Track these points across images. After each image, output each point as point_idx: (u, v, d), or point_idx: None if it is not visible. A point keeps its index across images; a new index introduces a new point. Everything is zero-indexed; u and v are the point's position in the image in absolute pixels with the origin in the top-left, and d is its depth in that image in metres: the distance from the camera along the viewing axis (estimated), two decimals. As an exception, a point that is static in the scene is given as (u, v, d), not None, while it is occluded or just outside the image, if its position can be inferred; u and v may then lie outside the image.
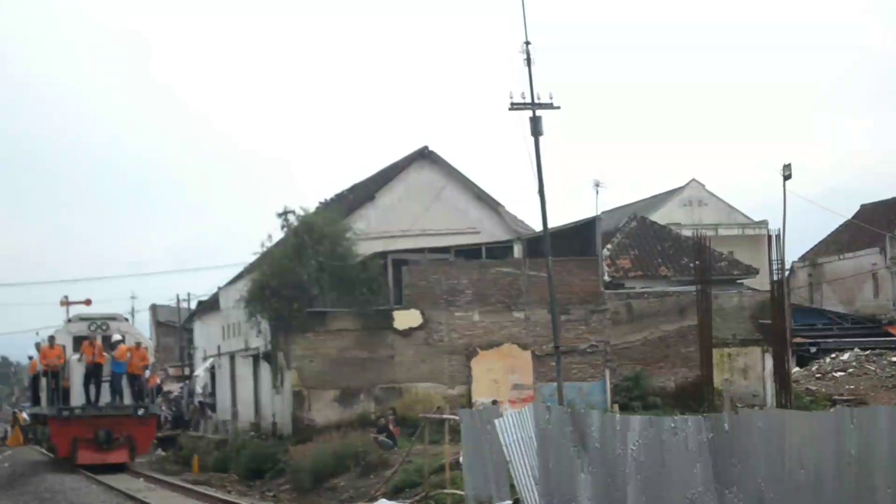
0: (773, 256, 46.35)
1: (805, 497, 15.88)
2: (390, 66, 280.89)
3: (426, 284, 47.12)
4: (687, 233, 56.76)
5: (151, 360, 49.70)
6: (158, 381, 55.15)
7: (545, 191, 41.89)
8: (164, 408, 60.15)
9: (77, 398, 45.97)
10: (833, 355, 60.57)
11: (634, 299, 49.36)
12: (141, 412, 46.08)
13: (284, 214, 48.85)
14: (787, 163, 46.96)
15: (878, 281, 70.84)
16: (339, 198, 60.55)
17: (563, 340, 43.96)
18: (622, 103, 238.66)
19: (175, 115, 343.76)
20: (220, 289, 62.71)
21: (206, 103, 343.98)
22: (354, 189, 61.60)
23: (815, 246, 79.75)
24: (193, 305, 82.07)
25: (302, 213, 48.96)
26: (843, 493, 15.36)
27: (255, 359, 53.14)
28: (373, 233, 52.31)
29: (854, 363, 58.36)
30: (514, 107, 41.41)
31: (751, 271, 54.13)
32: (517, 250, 48.77)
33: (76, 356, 46.51)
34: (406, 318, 46.85)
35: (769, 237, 47.49)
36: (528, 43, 41.25)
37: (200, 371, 69.62)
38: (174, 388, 79.18)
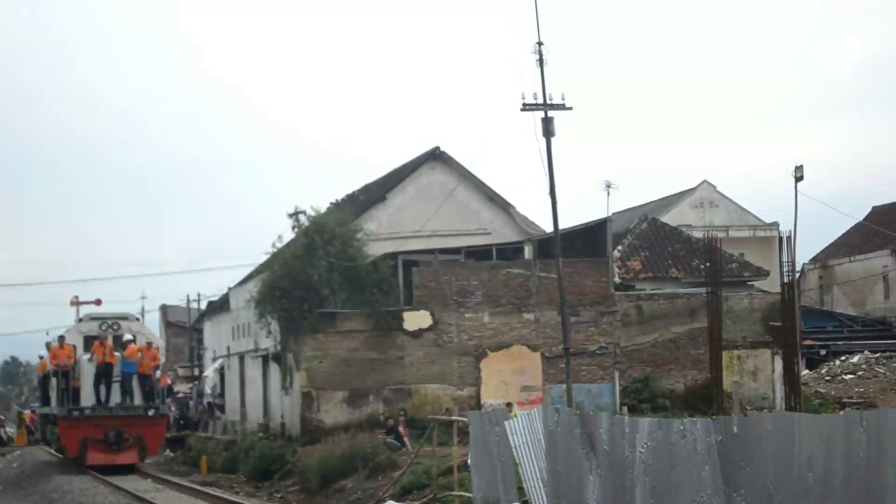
0: (784, 258, 46.24)
1: (814, 500, 15.82)
2: (401, 68, 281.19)
3: (436, 285, 47.06)
4: (698, 234, 56.65)
5: (162, 360, 49.40)
6: (169, 381, 54.91)
7: (556, 192, 41.83)
8: (172, 408, 60.07)
9: (87, 398, 45.65)
10: (843, 358, 60.45)
11: (645, 301, 49.26)
12: (151, 413, 45.70)
13: (295, 215, 48.84)
14: (798, 164, 46.88)
15: (888, 283, 70.69)
16: (351, 198, 60.53)
17: (572, 342, 43.89)
18: (633, 104, 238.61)
19: (186, 118, 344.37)
20: (230, 289, 62.72)
21: (219, 106, 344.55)
22: (366, 190, 61.58)
23: (826, 248, 79.62)
24: (203, 306, 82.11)
25: (313, 213, 48.94)
26: (851, 496, 15.30)
27: (265, 359, 53.11)
28: (383, 233, 52.29)
29: (864, 366, 58.23)
30: (526, 107, 41.35)
31: (761, 273, 54.01)
32: (528, 251, 48.70)
33: (87, 356, 46.22)
34: (416, 320, 46.80)
35: (780, 239, 47.39)
36: (540, 44, 41.25)
37: (210, 371, 69.63)
38: (184, 388, 79.21)
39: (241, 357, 58.79)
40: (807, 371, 56.46)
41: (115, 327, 48.01)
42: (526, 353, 47.25)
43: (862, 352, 60.77)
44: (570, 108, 41.87)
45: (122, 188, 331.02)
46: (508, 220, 55.70)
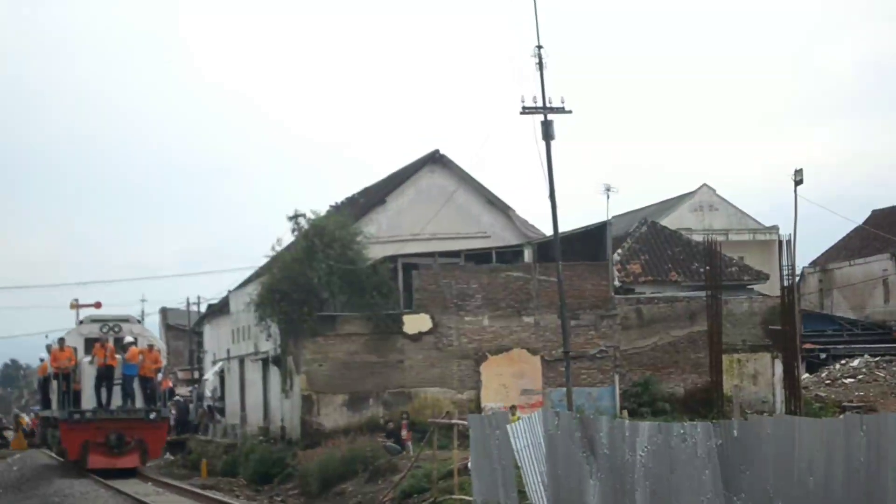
0: (784, 262, 46.22)
1: (814, 504, 15.84)
2: (401, 71, 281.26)
3: (436, 289, 47.07)
4: (697, 238, 56.63)
5: (164, 362, 49.02)
6: (171, 384, 54.64)
7: (556, 195, 41.83)
8: (172, 411, 60.01)
9: (88, 401, 45.31)
10: (843, 361, 60.38)
11: (644, 304, 49.27)
12: (153, 416, 45.41)
13: (295, 218, 48.88)
14: (798, 168, 46.83)
15: (888, 287, 70.64)
16: (350, 201, 60.53)
17: (572, 345, 43.89)
18: (632, 106, 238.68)
19: (186, 122, 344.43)
20: (230, 292, 62.69)
21: (219, 110, 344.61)
22: (365, 193, 61.59)
23: (826, 251, 79.56)
24: (203, 309, 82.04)
25: (312, 216, 48.97)
26: (852, 500, 15.32)
27: (265, 363, 53.10)
28: (383, 237, 52.29)
29: (864, 370, 58.17)
30: (526, 111, 41.34)
31: (761, 277, 53.99)
32: (527, 255, 48.72)
33: (87, 358, 45.89)
34: (416, 323, 46.80)
35: (780, 243, 47.37)
36: (540, 47, 41.26)
37: (210, 375, 69.58)
38: (184, 391, 79.13)
39: (241, 360, 58.76)
40: (807, 375, 56.42)
41: (116, 329, 47.70)
42: (526, 357, 47.26)
43: (862, 355, 60.71)
44: (570, 112, 41.91)
45: (121, 191, 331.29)
46: (508, 224, 55.72)
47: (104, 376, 45.11)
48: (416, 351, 46.78)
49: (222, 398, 65.02)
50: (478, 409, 44.37)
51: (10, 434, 71.83)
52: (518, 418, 27.55)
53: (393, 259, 47.86)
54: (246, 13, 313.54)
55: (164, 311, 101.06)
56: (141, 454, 45.99)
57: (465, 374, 46.86)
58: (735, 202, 76.82)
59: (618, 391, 47.28)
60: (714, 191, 76.83)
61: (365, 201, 58.18)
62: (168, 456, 56.85)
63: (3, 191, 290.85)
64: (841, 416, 32.49)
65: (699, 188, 76.43)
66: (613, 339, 47.94)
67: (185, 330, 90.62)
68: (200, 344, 79.55)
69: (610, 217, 53.25)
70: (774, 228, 68.84)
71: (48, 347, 48.87)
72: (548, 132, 41.38)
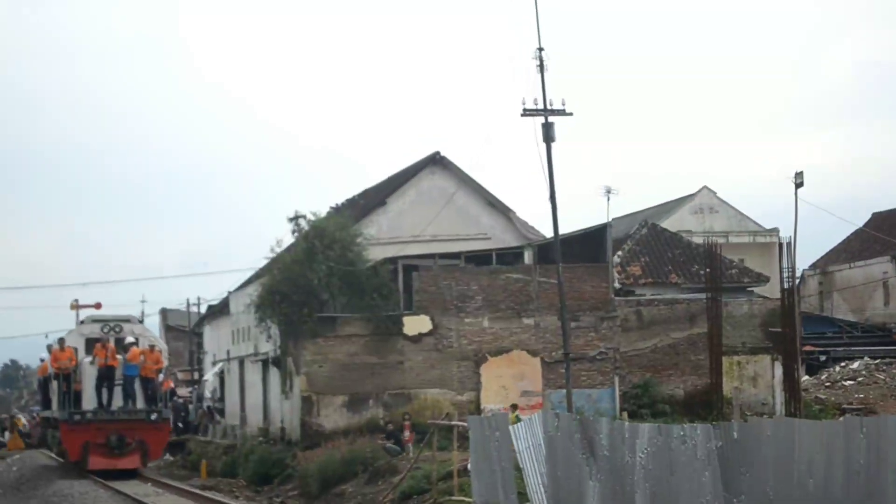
0: (784, 264, 46.24)
1: (814, 506, 15.85)
2: (401, 73, 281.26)
3: (436, 290, 47.08)
4: (698, 240, 56.64)
5: (165, 363, 48.82)
6: (172, 384, 54.45)
7: (556, 197, 41.82)
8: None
9: (89, 402, 45.21)
10: (843, 364, 60.41)
11: (644, 306, 49.29)
12: (154, 417, 45.30)
13: (295, 219, 48.89)
14: (798, 170, 46.87)
15: (888, 290, 70.63)
16: (351, 203, 60.55)
17: (572, 347, 43.87)
18: (633, 108, 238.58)
19: (186, 124, 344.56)
20: (230, 293, 62.70)
21: (219, 111, 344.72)
22: (366, 194, 61.60)
23: (826, 254, 79.54)
24: (203, 310, 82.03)
25: (313, 218, 48.98)
26: (851, 502, 15.34)
27: (265, 364, 53.10)
28: (383, 238, 52.30)
29: (864, 372, 58.19)
30: (527, 113, 41.28)
31: (761, 279, 53.99)
32: (527, 256, 48.71)
33: (88, 358, 45.77)
34: (416, 324, 46.81)
35: (780, 245, 47.39)
36: (541, 49, 41.22)
37: (210, 376, 69.61)
38: (184, 392, 79.14)
39: (241, 361, 58.77)
40: (807, 377, 56.44)
41: (116, 329, 47.57)
42: (526, 358, 47.27)
43: (862, 358, 60.75)
44: (571, 114, 41.79)
45: (122, 192, 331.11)
46: (508, 225, 55.73)
47: (105, 377, 44.99)
48: (416, 352, 46.79)
49: (222, 399, 65.05)
50: (477, 410, 44.40)
51: (6, 435, 71.78)
52: (517, 417, 27.56)
53: (393, 260, 47.87)
54: (246, 15, 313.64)
55: (164, 312, 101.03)
56: (142, 455, 45.82)
57: (465, 376, 46.87)
58: (735, 204, 76.82)
59: (618, 393, 47.29)
60: (714, 193, 76.80)
61: (365, 203, 58.19)
62: (168, 456, 56.82)
63: (4, 191, 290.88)
64: (841, 419, 32.52)
65: (699, 190, 76.40)
66: (613, 340, 47.95)
67: (185, 331, 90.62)
68: (200, 345, 79.56)
69: (610, 219, 53.28)
70: (775, 231, 68.83)
71: (49, 347, 48.69)
72: (548, 134, 41.34)
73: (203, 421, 67.28)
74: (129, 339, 46.28)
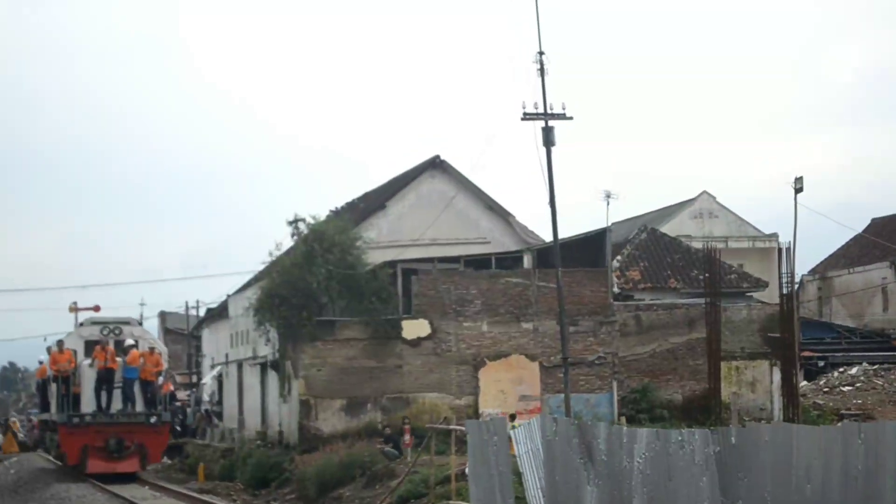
0: (783, 269, 46.26)
1: (812, 512, 15.84)
2: (401, 76, 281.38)
3: (435, 294, 47.07)
4: (697, 245, 56.66)
5: (165, 365, 48.34)
6: (172, 387, 54.23)
7: (556, 201, 41.82)
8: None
9: (88, 404, 44.88)
10: (841, 369, 60.44)
11: (643, 311, 49.29)
12: (153, 420, 45.00)
13: (295, 222, 48.87)
14: (798, 176, 46.87)
15: (887, 295, 70.71)
16: (350, 206, 60.55)
17: (571, 352, 43.86)
18: (633, 113, 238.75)
19: (185, 125, 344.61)
20: (228, 296, 62.70)
21: (219, 113, 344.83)
22: (365, 198, 61.61)
23: (825, 259, 79.64)
24: (202, 313, 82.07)
25: (312, 221, 48.96)
26: (849, 508, 15.32)
27: (263, 367, 53.09)
28: (383, 242, 52.31)
29: (862, 378, 58.23)
30: (527, 117, 41.28)
31: (760, 284, 54.02)
32: (527, 261, 48.69)
33: (87, 361, 45.41)
34: (414, 328, 46.79)
35: (779, 250, 47.44)
36: (541, 53, 41.25)
37: (208, 379, 69.60)
38: (182, 395, 79.14)
39: (240, 364, 58.76)
40: (805, 382, 56.47)
41: (116, 332, 47.09)
42: (524, 363, 47.24)
43: (860, 363, 60.78)
44: (571, 118, 41.77)
45: (121, 193, 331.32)
46: (508, 229, 55.75)
47: (104, 379, 44.63)
48: (414, 356, 46.77)
49: (220, 402, 65.01)
50: (476, 414, 44.35)
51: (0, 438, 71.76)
52: (517, 425, 27.50)
53: (392, 264, 47.87)
54: (247, 16, 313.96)
55: (163, 315, 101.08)
56: (141, 459, 45.53)
57: (464, 380, 46.85)
58: (735, 209, 76.87)
59: (616, 398, 47.27)
60: (714, 198, 76.84)
61: (365, 206, 58.19)
62: (165, 460, 56.75)
63: (2, 191, 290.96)
64: (839, 424, 32.46)
65: (699, 195, 76.44)
66: (612, 345, 47.94)
67: (184, 334, 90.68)
68: (199, 348, 79.60)
69: (609, 223, 53.34)
70: (774, 236, 68.85)
71: (49, 349, 48.48)
72: (548, 138, 41.35)
73: (201, 424, 67.25)
74: (129, 341, 45.81)
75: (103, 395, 44.73)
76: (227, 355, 62.19)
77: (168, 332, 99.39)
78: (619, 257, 53.97)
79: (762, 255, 66.17)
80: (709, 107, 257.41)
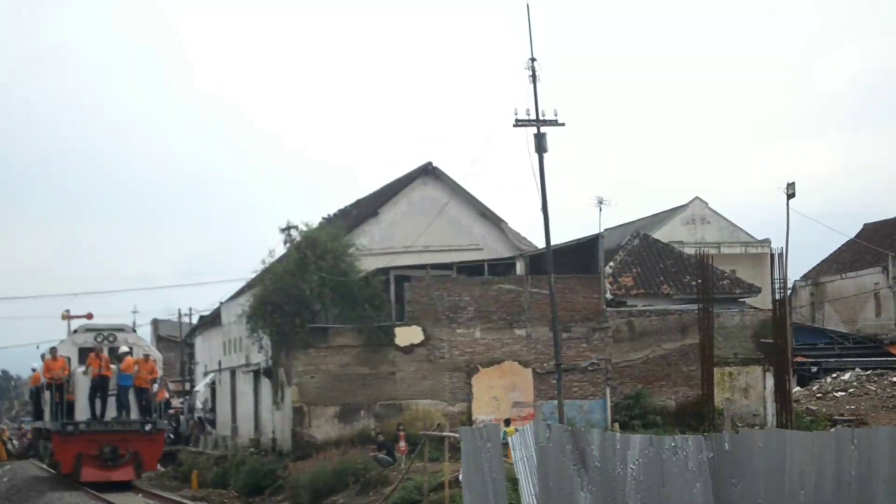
0: (776, 275, 46.27)
1: (805, 517, 15.86)
2: (394, 83, 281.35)
3: (428, 301, 47.09)
4: (689, 251, 56.71)
5: (160, 372, 47.92)
6: (167, 395, 53.99)
7: (549, 208, 41.88)
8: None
9: (82, 412, 44.42)
10: (834, 375, 60.46)
11: (636, 317, 49.32)
12: (148, 428, 44.67)
13: (287, 230, 48.90)
14: (790, 181, 46.90)
15: (879, 300, 70.78)
16: (343, 213, 60.56)
17: (564, 358, 43.88)
18: (625, 119, 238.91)
19: (179, 133, 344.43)
20: (221, 304, 62.66)
21: (212, 121, 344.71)
22: (358, 205, 61.63)
23: (818, 265, 79.70)
24: (195, 320, 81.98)
25: (305, 228, 48.98)
26: (843, 513, 15.34)
27: (256, 374, 53.08)
28: (375, 249, 52.31)
29: (855, 383, 58.24)
30: (519, 123, 41.33)
31: (753, 290, 54.07)
32: (519, 267, 48.74)
33: (81, 368, 44.87)
34: (407, 335, 46.80)
35: (771, 256, 47.44)
36: (533, 60, 41.31)
37: (201, 386, 69.54)
38: (175, 402, 79.04)
39: (233, 372, 58.73)
40: (798, 388, 56.46)
41: (110, 339, 46.67)
42: (517, 369, 47.27)
43: (853, 369, 60.80)
44: (563, 125, 41.87)
45: (113, 201, 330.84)
46: (500, 236, 55.75)
47: (98, 387, 44.25)
48: (407, 363, 46.77)
49: (213, 410, 64.96)
50: (469, 421, 44.41)
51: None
52: (514, 430, 27.54)
53: (385, 271, 47.89)
54: (240, 25, 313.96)
55: (156, 323, 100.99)
56: (136, 467, 45.18)
57: (457, 387, 46.87)
58: (727, 215, 76.96)
59: (609, 404, 47.29)
60: (706, 204, 76.92)
61: (357, 213, 58.20)
62: (159, 467, 56.60)
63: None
64: (832, 430, 32.51)
65: (691, 201, 76.51)
66: (605, 351, 47.97)
67: (177, 341, 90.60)
68: (192, 355, 79.47)
69: (602, 230, 53.42)
70: (766, 242, 68.93)
71: (43, 357, 48.21)
72: (541, 145, 41.40)
73: (194, 432, 67.19)
74: (123, 348, 45.55)
75: (97, 402, 44.37)
76: (220, 363, 62.15)
77: (161, 340, 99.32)
78: (611, 263, 53.99)
79: (754, 261, 66.28)
80: (700, 112, 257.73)
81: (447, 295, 47.19)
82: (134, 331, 53.05)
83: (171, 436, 64.68)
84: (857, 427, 37.25)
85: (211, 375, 65.75)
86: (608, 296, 50.24)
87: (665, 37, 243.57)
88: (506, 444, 25.96)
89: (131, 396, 44.73)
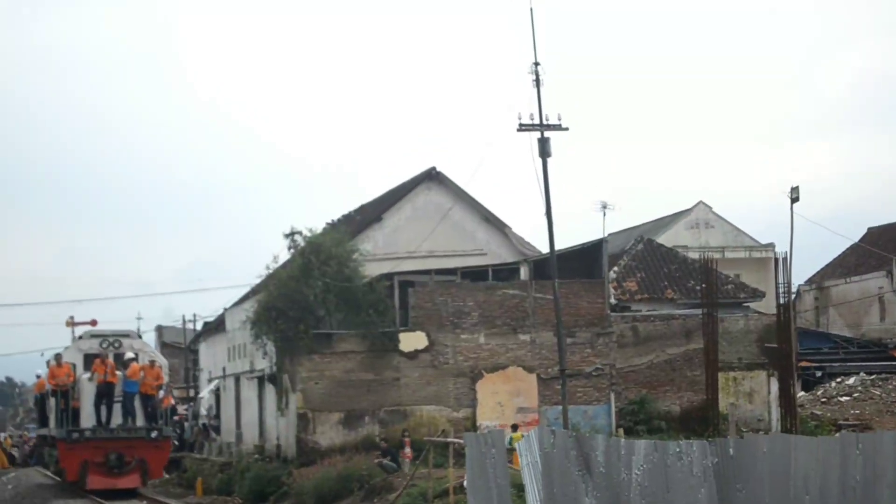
0: (780, 280, 46.24)
1: (810, 523, 15.84)
2: (397, 88, 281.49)
3: (432, 306, 47.09)
4: (694, 255, 56.69)
5: (165, 379, 47.79)
6: (172, 401, 53.84)
7: (552, 212, 41.87)
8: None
9: (87, 419, 44.33)
10: (839, 379, 60.38)
11: (640, 322, 49.30)
12: (154, 434, 44.55)
13: (291, 235, 48.89)
14: (794, 185, 46.87)
15: (884, 305, 70.72)
16: (347, 219, 60.57)
17: (568, 363, 43.88)
18: (629, 120, 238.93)
19: (182, 140, 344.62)
20: (225, 310, 62.64)
21: (216, 127, 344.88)
22: (362, 210, 61.61)
23: (822, 269, 79.63)
24: (199, 326, 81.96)
25: (309, 233, 48.98)
26: (848, 518, 15.33)
27: (261, 381, 53.04)
28: (379, 254, 52.33)
29: (860, 388, 58.18)
30: (523, 128, 41.35)
31: (757, 294, 54.02)
32: (523, 272, 48.72)
33: (87, 375, 44.87)
34: (412, 341, 46.79)
35: (776, 260, 47.41)
36: (537, 64, 41.33)
37: (205, 393, 69.50)
38: (179, 409, 79.02)
39: (237, 378, 58.69)
40: (802, 393, 56.43)
41: (116, 345, 46.50)
42: (522, 375, 47.25)
43: (858, 373, 60.70)
44: (567, 129, 41.86)
45: (116, 208, 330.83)
46: (504, 241, 55.76)
47: (104, 393, 44.11)
48: (412, 369, 46.76)
49: (218, 416, 64.92)
50: (474, 427, 44.38)
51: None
52: (521, 436, 27.52)
53: (389, 276, 47.88)
54: (242, 31, 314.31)
55: (160, 329, 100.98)
56: (142, 474, 45.00)
57: (461, 392, 46.86)
58: (731, 219, 76.89)
59: (614, 409, 47.27)
60: (710, 208, 76.86)
61: (361, 218, 58.21)
62: (164, 474, 56.58)
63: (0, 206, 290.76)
64: (837, 435, 32.50)
65: (695, 205, 76.44)
66: (609, 356, 47.95)
67: (181, 348, 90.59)
68: (196, 362, 79.45)
69: (606, 234, 53.31)
70: (770, 246, 68.83)
71: (47, 363, 48.06)
72: (544, 149, 41.41)
73: (199, 438, 67.16)
74: (129, 354, 45.29)
75: (103, 409, 44.19)
76: (224, 369, 62.13)
77: (165, 346, 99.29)
78: (615, 268, 53.96)
79: (759, 265, 66.20)
80: (703, 115, 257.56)
81: (451, 300, 47.19)
82: (139, 336, 52.89)
83: (176, 442, 64.65)
84: (861, 432, 37.25)
85: (215, 382, 65.72)
86: (612, 301, 50.22)
87: (666, 39, 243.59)
88: (512, 450, 25.94)
89: (137, 403, 44.52)
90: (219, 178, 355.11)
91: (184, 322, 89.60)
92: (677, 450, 18.41)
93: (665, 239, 66.24)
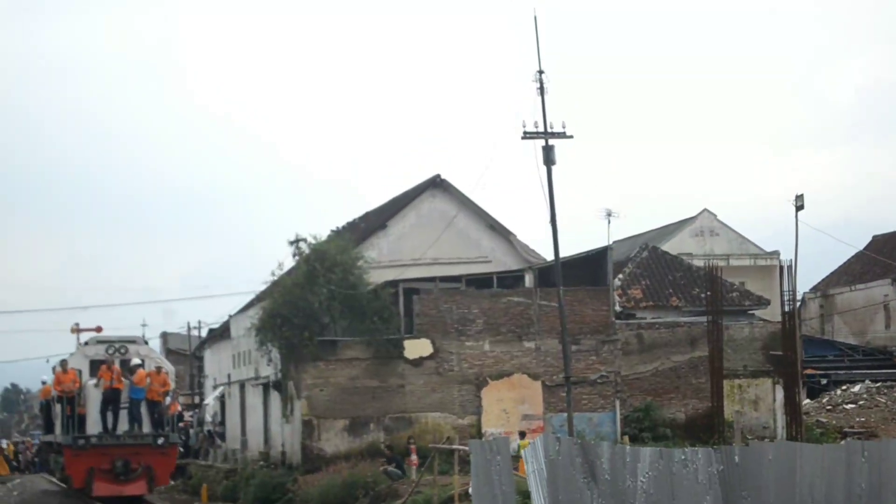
0: (785, 287, 46.25)
1: (815, 530, 15.85)
2: (401, 96, 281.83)
3: (437, 313, 47.11)
4: (698, 263, 56.69)
5: (172, 385, 47.39)
6: (179, 408, 53.67)
7: (557, 220, 41.86)
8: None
9: (93, 426, 43.83)
10: (844, 387, 60.29)
11: (645, 329, 49.30)
12: (161, 441, 44.06)
13: (296, 242, 48.90)
14: (799, 193, 46.91)
15: (889, 312, 70.61)
16: (351, 226, 60.57)
17: (573, 371, 43.85)
18: (634, 129, 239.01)
19: (186, 148, 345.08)
20: (230, 317, 62.64)
21: (220, 134, 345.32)
22: (366, 217, 61.64)
23: (827, 277, 79.52)
24: (204, 333, 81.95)
25: (314, 241, 48.99)
26: (853, 526, 15.33)
27: (266, 387, 53.04)
28: (384, 261, 52.34)
29: (865, 395, 58.10)
30: (527, 135, 41.34)
31: (762, 302, 53.99)
32: (528, 280, 48.75)
33: (92, 381, 44.30)
34: (417, 348, 46.81)
35: (781, 268, 47.43)
36: (541, 72, 41.33)
37: (210, 399, 69.49)
38: (185, 416, 79.04)
39: (242, 385, 58.72)
40: (808, 400, 56.36)
41: (122, 351, 45.91)
42: (527, 382, 47.26)
43: (863, 381, 60.64)
44: (571, 137, 41.85)
45: (121, 215, 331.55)
46: (509, 248, 55.76)
47: (110, 400, 43.65)
48: (416, 376, 46.78)
49: (223, 423, 64.94)
50: (479, 434, 44.39)
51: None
52: (527, 443, 27.52)
53: (394, 284, 47.90)
54: (245, 39, 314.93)
55: (165, 336, 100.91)
56: (148, 481, 44.62)
57: (466, 399, 46.88)
58: (736, 227, 76.87)
59: (619, 416, 47.28)
60: (715, 216, 76.84)
61: (366, 226, 58.23)
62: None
63: (2, 213, 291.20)
64: (842, 442, 32.48)
65: (700, 213, 76.43)
66: (614, 364, 47.96)
67: (186, 354, 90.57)
68: (201, 368, 79.42)
69: (611, 242, 53.38)
70: (775, 254, 68.84)
71: (53, 370, 47.87)
72: (549, 157, 41.40)
73: (204, 445, 67.19)
74: (135, 360, 44.86)
75: (109, 415, 43.77)
76: (229, 376, 62.15)
77: (170, 353, 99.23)
78: (620, 276, 53.96)
79: (764, 273, 66.15)
80: (710, 123, 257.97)
81: (456, 308, 47.21)
82: (145, 342, 52.67)
83: (182, 449, 64.52)
84: (867, 439, 37.21)
85: (220, 388, 65.74)
86: (617, 308, 50.23)
87: (672, 47, 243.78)
88: (518, 457, 25.94)
89: (143, 409, 44.25)
90: (224, 185, 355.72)
91: (189, 329, 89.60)
92: (682, 457, 18.42)
93: (670, 246, 66.22)
